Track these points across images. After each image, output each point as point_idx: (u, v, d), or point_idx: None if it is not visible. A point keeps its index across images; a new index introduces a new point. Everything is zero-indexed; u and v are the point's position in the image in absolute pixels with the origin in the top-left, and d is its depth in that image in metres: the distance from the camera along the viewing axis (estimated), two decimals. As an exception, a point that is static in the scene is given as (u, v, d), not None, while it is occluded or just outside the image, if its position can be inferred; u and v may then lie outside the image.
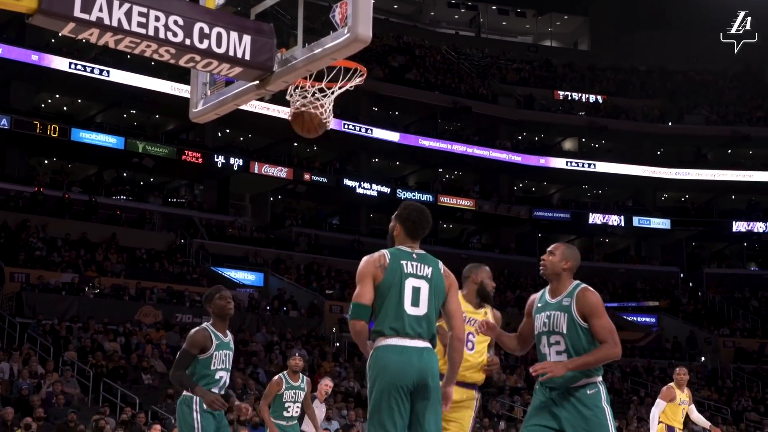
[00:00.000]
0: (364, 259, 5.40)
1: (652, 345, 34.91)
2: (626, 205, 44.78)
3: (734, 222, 43.72)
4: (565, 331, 5.69)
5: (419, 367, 5.20)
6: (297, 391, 11.09)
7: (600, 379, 5.77)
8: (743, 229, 44.11)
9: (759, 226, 44.00)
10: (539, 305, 5.90)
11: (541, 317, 5.83)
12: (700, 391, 29.90)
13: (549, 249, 5.88)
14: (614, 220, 43.26)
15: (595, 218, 43.03)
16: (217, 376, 6.78)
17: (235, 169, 35.28)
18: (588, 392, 5.68)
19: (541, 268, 5.85)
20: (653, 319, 38.03)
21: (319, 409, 12.20)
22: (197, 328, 6.93)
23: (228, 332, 7.02)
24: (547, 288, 5.94)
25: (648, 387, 29.25)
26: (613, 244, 46.92)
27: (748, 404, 29.31)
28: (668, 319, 37.72)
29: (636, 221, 43.34)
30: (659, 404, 11.56)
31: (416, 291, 5.35)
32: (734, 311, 39.13)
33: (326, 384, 12.23)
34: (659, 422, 11.61)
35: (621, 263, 43.47)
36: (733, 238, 44.92)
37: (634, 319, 37.95)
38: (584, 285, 5.82)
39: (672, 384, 11.71)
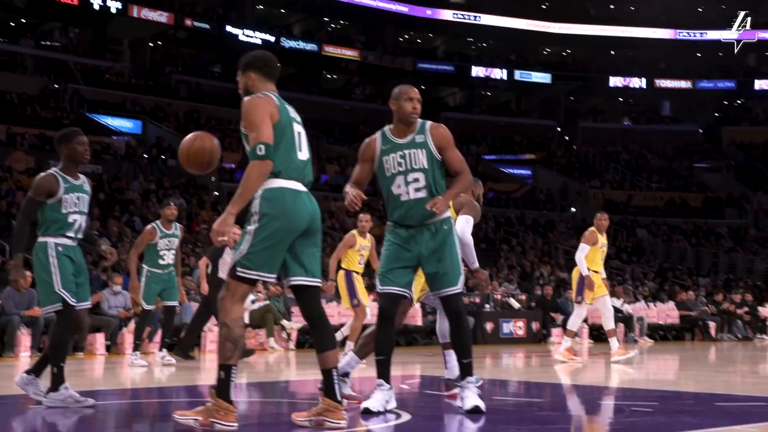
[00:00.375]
0: (254, 100, 5.10)
1: (526, 196, 35.77)
2: (509, 58, 44.96)
3: (611, 77, 44.50)
4: (426, 167, 5.83)
5: (311, 209, 5.18)
6: (171, 238, 11.15)
7: (450, 213, 5.96)
8: (620, 85, 45.01)
9: (635, 82, 44.94)
10: (384, 148, 5.93)
11: (392, 158, 5.89)
12: (569, 240, 30.90)
13: (416, 97, 5.90)
14: (497, 73, 43.47)
15: (478, 71, 43.16)
16: (70, 220, 6.54)
17: (113, 12, 33.86)
18: (444, 227, 5.89)
19: (414, 114, 5.86)
20: (529, 172, 38.86)
21: (230, 256, 12.37)
22: (43, 173, 6.63)
23: (81, 176, 6.74)
24: (387, 130, 6.00)
25: (519, 236, 30.09)
26: (495, 97, 47.34)
27: (612, 252, 30.44)
28: (543, 171, 38.59)
29: (518, 75, 43.68)
30: (583, 248, 11.94)
31: (299, 136, 5.24)
32: (605, 164, 40.27)
33: (235, 231, 12.32)
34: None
35: (501, 116, 43.96)
36: (610, 93, 45.86)
37: (511, 171, 38.69)
38: (429, 121, 5.97)
39: (593, 228, 12.05)
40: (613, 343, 12.22)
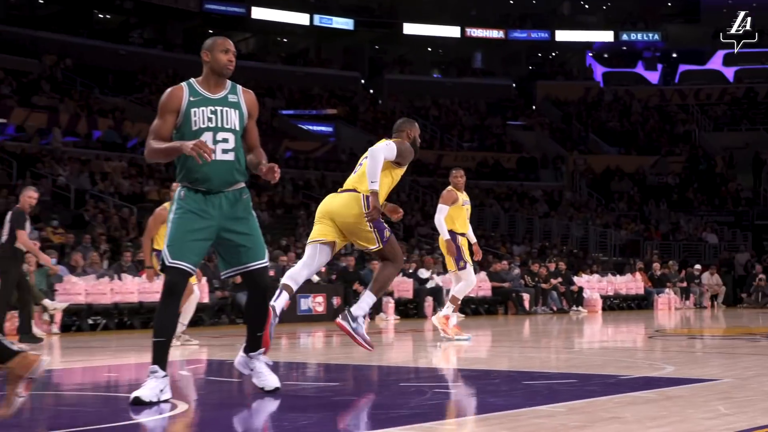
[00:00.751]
0: None
1: (327, 156, 35.97)
2: (308, 1, 44.90)
3: (419, 25, 45.22)
4: (237, 128, 6.06)
5: None
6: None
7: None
8: (428, 33, 45.81)
9: (443, 31, 45.88)
10: (193, 99, 6.04)
11: (201, 112, 6.02)
12: (375, 205, 31.32)
13: (232, 49, 6.13)
14: (294, 17, 43.34)
15: (272, 14, 42.87)
16: None
17: None
18: (244, 196, 6.13)
19: (230, 67, 6.10)
20: (330, 129, 39.08)
21: (28, 222, 12.56)
22: None
23: None
24: (195, 82, 6.14)
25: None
26: (292, 45, 47.22)
27: (420, 219, 31.11)
28: (345, 128, 38.91)
29: (317, 20, 43.71)
30: (442, 209, 11.81)
31: None
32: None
33: (29, 195, 12.39)
34: None
35: (299, 66, 43.91)
36: (417, 43, 46.62)
37: (310, 128, 38.79)
38: (238, 84, 6.25)
39: (450, 187, 12.05)
40: (452, 318, 12.48)
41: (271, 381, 6.34)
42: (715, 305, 27.67)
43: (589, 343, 13.50)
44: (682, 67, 48.86)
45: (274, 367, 6.55)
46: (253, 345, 6.42)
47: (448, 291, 21.07)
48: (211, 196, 5.99)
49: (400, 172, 7.92)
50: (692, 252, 33.36)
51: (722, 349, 11.49)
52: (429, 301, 20.75)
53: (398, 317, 19.72)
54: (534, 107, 45.63)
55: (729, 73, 47.99)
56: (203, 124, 5.97)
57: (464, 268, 12.04)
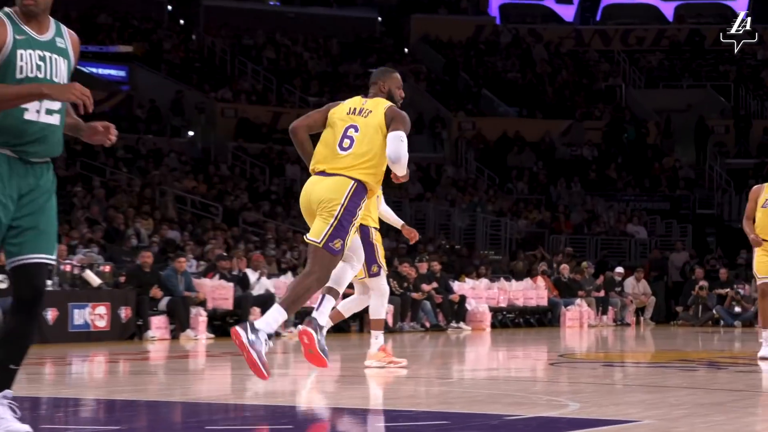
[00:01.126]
0: None
1: (119, 111, 35.54)
2: None
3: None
4: (65, 82, 6.20)
5: None
6: None
7: None
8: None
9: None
10: (19, 38, 6.13)
11: (29, 57, 6.13)
12: (184, 180, 31.19)
13: None
14: None
15: None
16: None
17: None
18: (50, 171, 6.29)
19: (30, 4, 6.14)
20: (123, 73, 38.57)
21: None
22: None
23: None
24: (14, 14, 6.21)
25: (106, 173, 29.94)
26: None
27: (246, 200, 30.97)
28: (145, 72, 38.43)
29: None
30: None
31: None
32: (241, 65, 40.81)
33: None
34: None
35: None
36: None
37: (94, 71, 38.19)
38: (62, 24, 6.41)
39: None
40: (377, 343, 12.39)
41: (18, 426, 6.16)
42: (642, 321, 28.36)
43: (471, 371, 13.71)
44: (606, 0, 49.70)
45: (32, 405, 6.48)
46: (6, 379, 6.22)
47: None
48: (19, 166, 6.08)
49: None
50: (613, 250, 34.11)
51: (646, 380, 11.81)
52: (255, 313, 20.62)
53: (212, 335, 19.64)
54: (406, 50, 45.87)
55: (668, 9, 48.89)
56: (31, 72, 6.09)
57: (377, 274, 12.34)
